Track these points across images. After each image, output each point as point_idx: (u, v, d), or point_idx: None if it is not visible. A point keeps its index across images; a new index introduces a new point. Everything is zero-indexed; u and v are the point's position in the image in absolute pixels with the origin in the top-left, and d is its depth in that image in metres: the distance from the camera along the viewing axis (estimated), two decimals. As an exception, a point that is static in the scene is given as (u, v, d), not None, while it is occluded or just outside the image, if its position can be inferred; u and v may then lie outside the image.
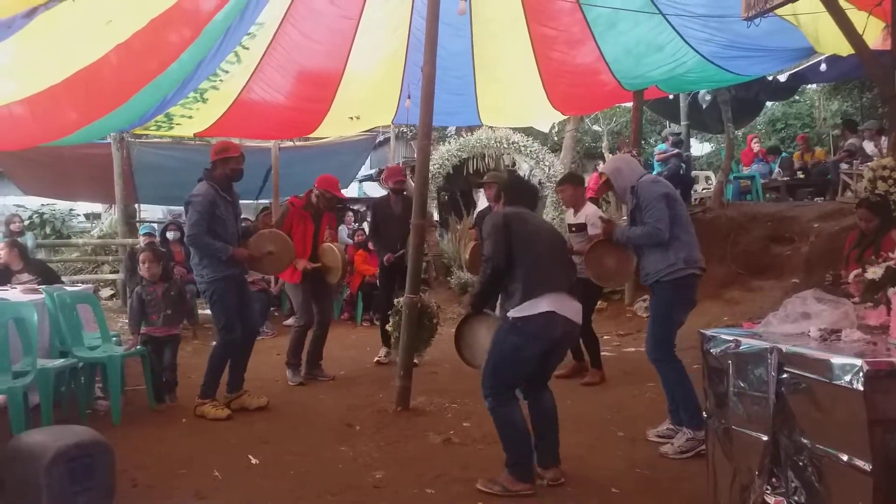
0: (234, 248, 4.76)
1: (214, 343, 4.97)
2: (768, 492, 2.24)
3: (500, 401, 3.35)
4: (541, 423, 3.49)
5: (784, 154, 12.10)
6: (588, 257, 4.34)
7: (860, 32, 5.17)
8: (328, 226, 5.91)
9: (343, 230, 12.61)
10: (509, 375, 3.37)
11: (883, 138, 9.46)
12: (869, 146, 9.69)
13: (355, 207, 18.09)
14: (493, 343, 3.40)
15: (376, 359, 6.56)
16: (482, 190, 18.14)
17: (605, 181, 4.25)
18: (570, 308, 3.35)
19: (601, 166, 4.38)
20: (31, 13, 4.04)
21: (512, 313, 3.32)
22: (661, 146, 11.46)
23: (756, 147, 12.07)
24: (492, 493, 3.32)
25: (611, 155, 13.01)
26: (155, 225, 11.24)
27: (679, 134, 11.99)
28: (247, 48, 6.26)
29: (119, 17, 4.59)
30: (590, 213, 5.40)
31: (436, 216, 12.54)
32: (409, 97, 7.38)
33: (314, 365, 5.99)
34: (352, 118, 7.83)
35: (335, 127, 8.57)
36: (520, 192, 3.78)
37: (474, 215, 7.84)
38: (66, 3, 4.15)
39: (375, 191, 16.80)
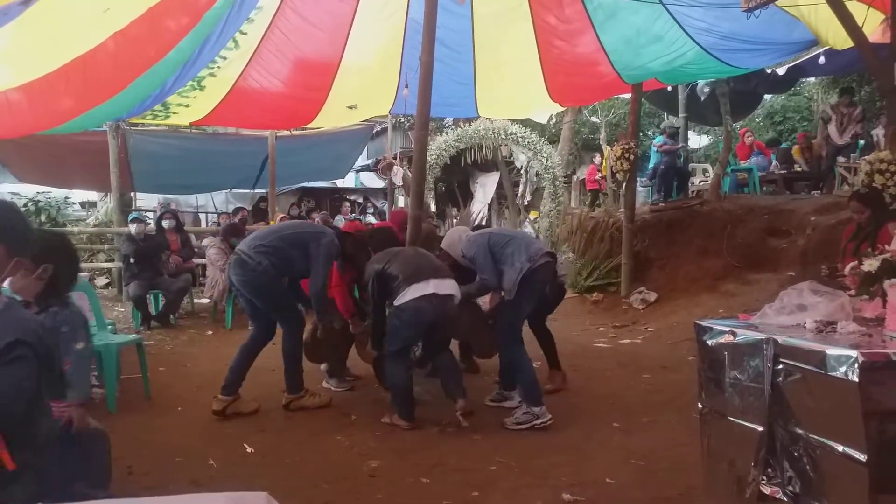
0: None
1: (284, 341, 4.66)
2: (764, 482, 2.25)
3: (392, 360, 4.30)
4: (442, 371, 4.41)
5: (783, 145, 12.07)
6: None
7: (860, 25, 5.17)
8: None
9: (340, 220, 12.61)
10: (399, 343, 4.29)
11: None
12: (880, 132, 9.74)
13: (352, 198, 18.10)
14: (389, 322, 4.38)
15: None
16: (479, 181, 18.14)
17: (454, 260, 4.76)
18: (433, 287, 4.14)
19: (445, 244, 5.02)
20: (28, 0, 4.01)
21: (396, 303, 4.23)
22: (659, 138, 11.46)
23: (749, 140, 12.06)
24: (386, 424, 4.30)
25: (608, 147, 13.00)
26: (150, 213, 11.23)
27: (677, 128, 12.00)
28: (245, 33, 6.22)
29: (117, 5, 4.56)
30: None
31: (433, 207, 12.52)
32: (406, 86, 7.35)
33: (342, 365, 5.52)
34: (350, 107, 7.79)
35: (333, 117, 8.55)
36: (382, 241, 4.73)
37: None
38: None
39: (372, 181, 16.76)
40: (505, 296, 4.50)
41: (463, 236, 4.84)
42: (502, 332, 4.55)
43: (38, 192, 12.72)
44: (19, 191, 12.46)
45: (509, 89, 7.91)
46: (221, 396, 4.57)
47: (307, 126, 9.47)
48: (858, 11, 5.26)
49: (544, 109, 8.81)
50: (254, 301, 4.60)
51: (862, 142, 9.37)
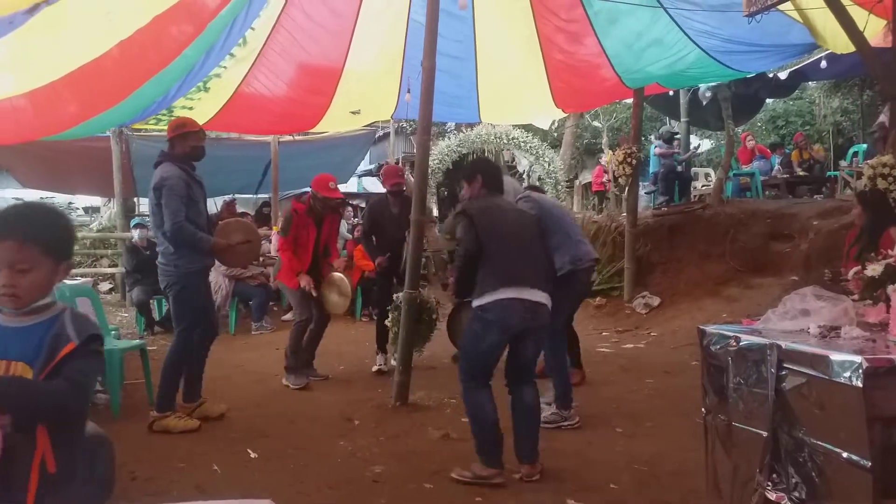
0: (213, 238, 4.40)
1: (172, 344, 4.45)
2: (769, 488, 2.25)
3: (470, 386, 3.48)
4: (517, 417, 3.53)
5: (787, 149, 12.07)
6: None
7: (861, 29, 5.17)
8: (334, 235, 5.78)
9: (343, 225, 12.61)
10: (478, 360, 3.48)
11: None
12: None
13: (355, 202, 18.10)
14: (464, 332, 3.59)
15: (375, 368, 6.08)
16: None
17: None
18: (532, 294, 3.44)
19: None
20: (33, 9, 4.03)
21: (474, 303, 3.48)
22: (654, 144, 11.48)
23: (751, 144, 12.06)
24: (464, 480, 3.41)
25: (611, 151, 13.01)
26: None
27: (676, 134, 11.99)
28: (253, 28, 6.20)
29: (120, 12, 4.57)
30: None
31: (435, 212, 12.53)
32: (408, 91, 7.36)
33: (307, 364, 5.75)
34: (353, 112, 7.80)
35: (336, 122, 8.56)
36: (492, 175, 3.82)
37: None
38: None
39: (375, 186, 16.77)
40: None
41: (518, 193, 4.41)
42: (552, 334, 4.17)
43: (41, 198, 12.74)
44: (23, 196, 12.49)
45: (512, 95, 7.92)
46: (183, 404, 4.48)
47: (310, 131, 9.49)
48: (860, 16, 5.26)
49: (548, 115, 8.81)
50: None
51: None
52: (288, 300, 6.06)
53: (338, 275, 5.83)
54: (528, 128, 12.70)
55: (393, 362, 5.88)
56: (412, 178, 5.67)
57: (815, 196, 10.41)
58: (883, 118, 9.66)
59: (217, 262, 5.11)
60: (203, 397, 4.59)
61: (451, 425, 4.39)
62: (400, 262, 5.81)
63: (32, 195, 12.59)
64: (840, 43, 5.76)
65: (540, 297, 3.47)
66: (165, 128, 8.32)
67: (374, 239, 6.05)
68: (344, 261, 5.90)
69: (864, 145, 9.70)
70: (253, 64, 6.72)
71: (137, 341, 5.76)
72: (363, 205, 17.79)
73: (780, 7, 5.19)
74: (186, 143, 4.37)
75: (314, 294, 5.48)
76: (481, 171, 3.80)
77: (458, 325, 3.92)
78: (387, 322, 5.59)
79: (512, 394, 3.57)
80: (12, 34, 4.15)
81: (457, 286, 3.72)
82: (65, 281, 5.58)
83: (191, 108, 7.18)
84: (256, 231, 4.89)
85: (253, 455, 3.90)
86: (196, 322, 4.40)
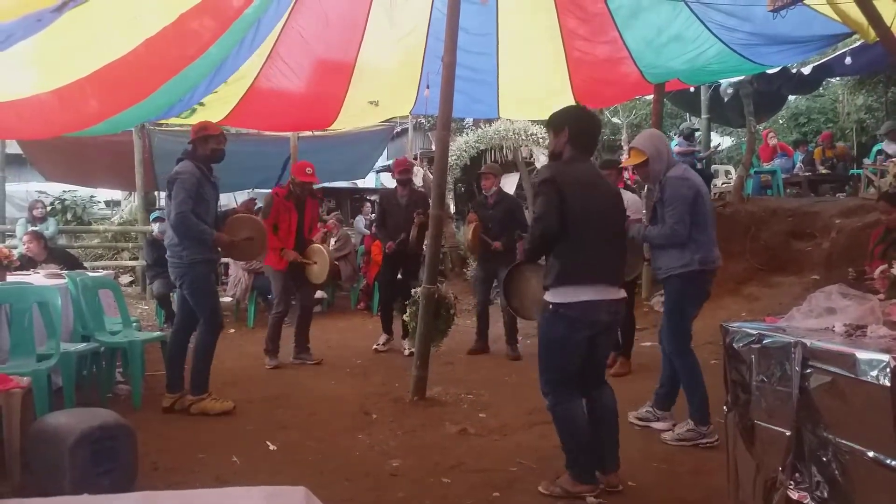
0: (216, 232, 4.58)
1: (200, 331, 4.62)
2: (791, 487, 2.22)
3: (560, 397, 3.12)
4: (598, 423, 3.21)
5: (810, 147, 11.91)
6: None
7: (888, 24, 5.08)
8: (315, 218, 6.15)
9: (360, 220, 12.66)
10: (563, 366, 3.12)
11: None
12: (891, 147, 9.54)
13: (372, 198, 18.15)
14: (539, 335, 3.18)
15: (374, 346, 6.73)
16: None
17: (645, 161, 3.88)
18: (613, 293, 3.11)
19: (636, 141, 4.02)
20: (62, 7, 4.07)
21: (550, 297, 3.07)
22: (674, 142, 11.36)
23: (773, 142, 11.90)
24: (553, 495, 3.15)
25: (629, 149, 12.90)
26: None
27: (697, 130, 11.87)
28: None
29: (147, 12, 4.61)
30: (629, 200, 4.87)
31: (452, 208, 12.53)
32: (427, 87, 7.35)
33: (301, 349, 6.20)
34: (371, 103, 7.74)
35: (354, 117, 8.55)
36: (583, 130, 3.23)
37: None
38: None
39: (392, 182, 16.78)
40: (654, 274, 3.99)
41: (671, 157, 3.93)
42: (670, 339, 3.95)
43: (64, 191, 12.92)
44: (46, 189, 12.66)
45: (533, 89, 7.87)
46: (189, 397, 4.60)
47: (328, 128, 9.50)
48: (887, 10, 5.16)
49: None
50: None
51: None
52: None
53: (316, 245, 6.21)
54: (546, 123, 12.66)
55: (402, 347, 6.56)
56: (430, 175, 5.70)
57: (837, 194, 10.27)
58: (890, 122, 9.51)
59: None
60: (209, 392, 4.64)
61: (469, 420, 4.40)
62: (405, 249, 6.45)
63: (55, 188, 12.78)
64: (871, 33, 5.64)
65: (622, 293, 3.15)
66: (187, 122, 8.41)
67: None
68: (322, 233, 6.24)
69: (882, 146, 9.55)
70: (266, 59, 6.68)
71: (158, 333, 5.82)
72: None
73: (806, 1, 5.11)
74: (207, 145, 4.59)
75: (300, 260, 5.92)
76: (571, 122, 3.22)
77: (518, 283, 3.70)
78: (405, 317, 5.65)
79: (587, 396, 3.22)
80: (42, 32, 4.19)
81: (528, 255, 3.35)
82: (87, 273, 5.67)
83: (202, 104, 7.17)
84: (263, 227, 5.06)
85: (272, 447, 3.93)
86: (216, 306, 4.64)
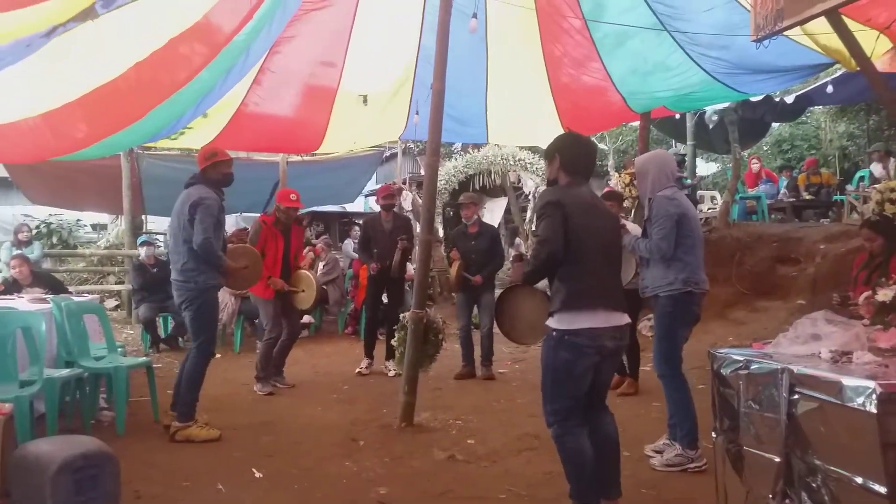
0: (227, 260, 4.68)
1: (190, 357, 4.59)
2: (782, 513, 2.23)
3: (566, 427, 3.01)
4: (601, 450, 3.08)
5: (794, 173, 12.08)
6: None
7: (868, 55, 5.19)
8: (300, 245, 6.21)
9: (349, 244, 12.64)
10: (570, 395, 3.01)
11: (892, 160, 9.52)
12: (877, 168, 9.72)
13: (360, 222, 18.16)
14: (544, 364, 3.07)
15: (358, 370, 6.74)
16: (487, 206, 18.19)
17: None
18: (618, 318, 3.05)
19: (637, 159, 4.18)
20: (51, 33, 4.08)
21: (556, 324, 2.99)
22: None
23: (756, 167, 12.07)
24: None
25: (616, 174, 13.03)
26: (160, 236, 11.30)
27: (683, 155, 12.02)
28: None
29: (137, 37, 4.64)
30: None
31: (441, 232, 12.56)
32: (417, 113, 7.41)
33: (277, 372, 6.20)
34: (361, 97, 7.62)
35: (341, 142, 8.57)
36: (575, 155, 3.20)
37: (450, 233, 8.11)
38: (87, 24, 4.20)
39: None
40: (640, 292, 4.02)
41: (664, 179, 3.97)
42: (660, 361, 3.97)
43: (49, 214, 12.82)
44: (31, 212, 12.57)
45: (521, 116, 7.96)
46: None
47: (317, 151, 9.53)
48: (867, 41, 5.28)
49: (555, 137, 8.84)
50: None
51: None
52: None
53: (302, 272, 6.24)
54: (534, 149, 12.77)
55: (385, 371, 6.64)
56: (419, 199, 5.73)
57: (821, 220, 10.40)
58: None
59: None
60: (195, 419, 4.58)
61: (457, 447, 4.37)
62: (389, 272, 6.56)
63: (41, 211, 12.68)
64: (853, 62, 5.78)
65: (626, 318, 3.09)
66: (175, 145, 8.38)
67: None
68: (310, 259, 6.24)
69: (869, 169, 9.72)
70: (251, 85, 6.72)
71: (143, 359, 5.74)
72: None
73: (788, 33, 5.21)
74: (218, 170, 4.67)
75: (287, 288, 5.94)
76: (561, 149, 3.20)
77: (510, 307, 3.48)
78: (393, 341, 5.63)
79: (589, 423, 3.11)
80: (32, 57, 4.20)
81: (529, 277, 3.18)
82: (72, 297, 5.62)
83: (190, 127, 7.19)
84: (259, 257, 5.19)
85: (258, 475, 3.88)
86: (213, 334, 4.67)
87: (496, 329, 5.12)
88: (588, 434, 3.08)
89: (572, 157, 3.18)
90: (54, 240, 12.32)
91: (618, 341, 3.05)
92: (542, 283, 3.38)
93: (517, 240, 14.47)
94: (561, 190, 3.12)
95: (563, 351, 2.96)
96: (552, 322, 3.01)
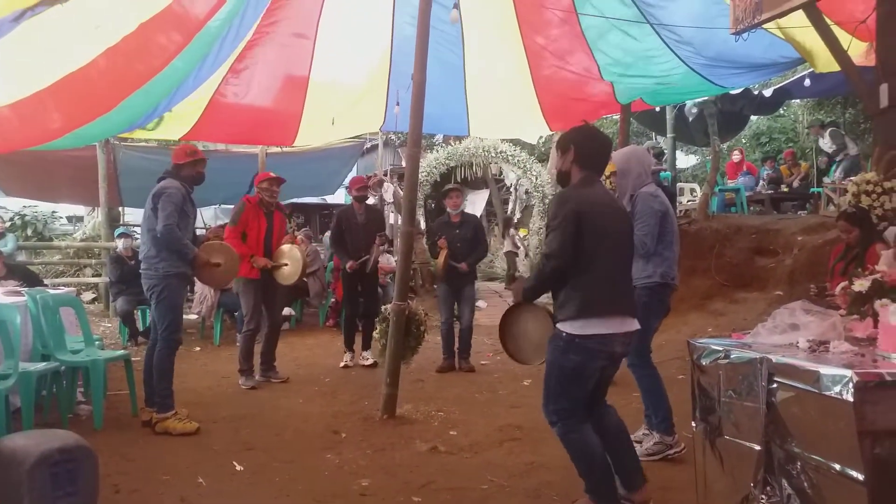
0: (196, 249, 4.67)
1: (158, 347, 4.58)
2: (763, 501, 2.25)
3: (570, 425, 2.99)
4: (611, 441, 3.08)
5: (777, 164, 12.20)
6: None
7: (845, 49, 5.26)
8: (283, 232, 6.15)
9: (329, 236, 12.56)
10: (576, 395, 2.99)
11: (825, 131, 10.45)
12: (821, 141, 10.56)
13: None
14: (550, 364, 3.03)
15: (343, 363, 6.73)
16: (469, 198, 18.19)
17: (614, 173, 4.10)
18: (629, 324, 3.03)
19: (615, 153, 4.02)
20: (20, 17, 4.00)
21: (567, 328, 2.94)
22: None
23: (737, 158, 12.21)
24: None
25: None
26: (137, 228, 11.15)
27: (661, 148, 12.11)
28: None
29: (108, 21, 4.55)
30: None
31: (423, 224, 12.54)
32: (397, 104, 7.35)
33: (268, 367, 6.15)
34: (332, 120, 7.61)
35: (317, 135, 8.47)
36: (593, 150, 3.09)
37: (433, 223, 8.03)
38: (55, 8, 4.11)
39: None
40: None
41: (645, 176, 4.00)
42: (633, 352, 3.81)
43: (24, 206, 12.63)
44: (5, 205, 12.36)
45: (502, 109, 7.94)
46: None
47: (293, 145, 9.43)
48: (844, 34, 5.35)
49: (536, 130, 8.82)
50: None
51: None
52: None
53: (284, 246, 6.07)
54: (515, 142, 12.77)
55: (362, 361, 6.70)
56: (400, 191, 5.70)
57: (798, 212, 10.53)
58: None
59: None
60: (175, 410, 4.56)
61: (439, 438, 4.37)
62: (365, 269, 6.58)
63: (15, 203, 12.47)
64: (823, 62, 5.86)
65: (636, 324, 3.06)
66: (152, 135, 8.22)
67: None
68: (291, 236, 6.37)
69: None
70: (225, 74, 6.61)
71: (121, 352, 5.66)
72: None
73: (766, 25, 5.26)
74: (195, 168, 4.78)
75: (271, 264, 5.85)
76: (577, 141, 3.08)
77: (514, 327, 3.39)
78: (375, 333, 5.62)
79: (594, 419, 3.09)
80: (1, 41, 4.11)
81: (531, 293, 3.16)
82: (48, 290, 5.53)
83: (167, 114, 7.06)
84: (236, 256, 5.06)
85: (239, 468, 3.85)
86: (178, 323, 4.63)
87: (497, 334, 5.00)
88: (596, 430, 3.06)
89: (589, 151, 3.07)
90: (29, 232, 12.14)
91: (627, 346, 3.06)
92: (542, 299, 3.37)
93: (511, 230, 14.43)
94: (577, 193, 3.00)
95: (574, 354, 2.92)
96: (564, 326, 2.95)
